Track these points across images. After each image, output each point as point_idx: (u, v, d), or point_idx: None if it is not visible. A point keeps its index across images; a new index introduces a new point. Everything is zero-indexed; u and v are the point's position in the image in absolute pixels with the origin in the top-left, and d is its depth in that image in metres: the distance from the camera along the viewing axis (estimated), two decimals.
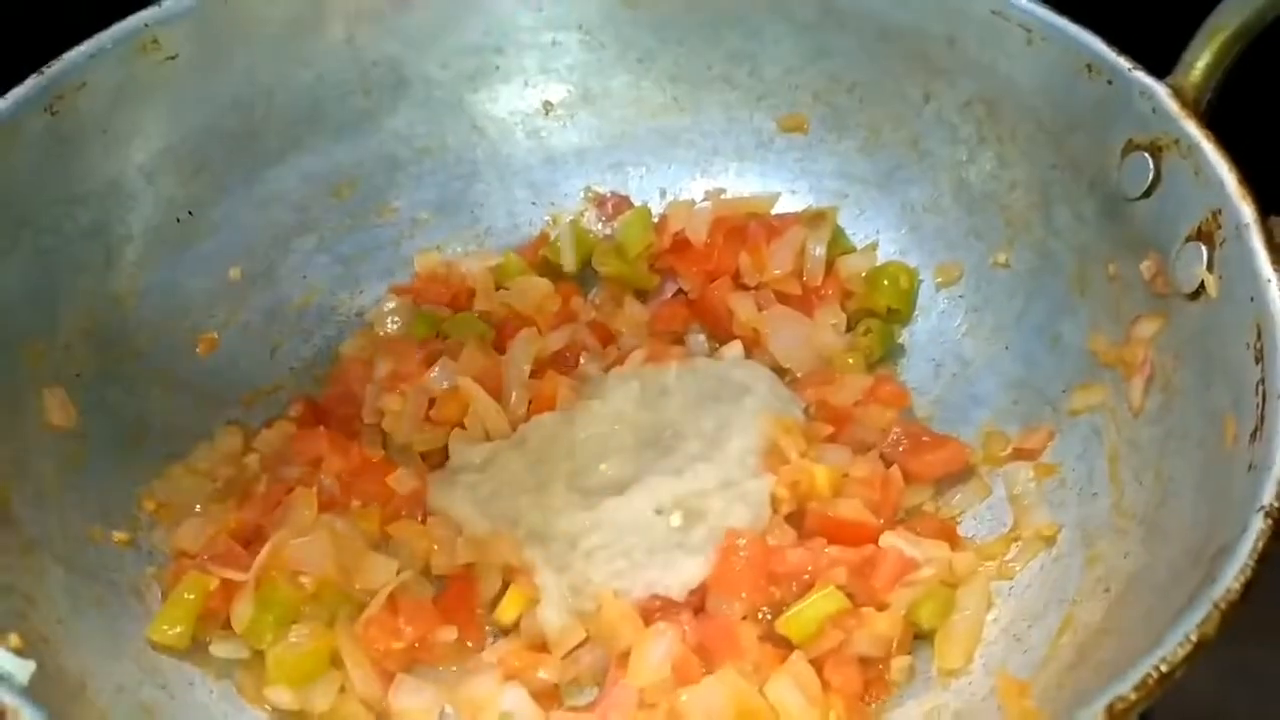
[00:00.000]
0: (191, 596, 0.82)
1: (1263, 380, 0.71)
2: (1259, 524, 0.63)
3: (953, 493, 0.93)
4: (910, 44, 1.04)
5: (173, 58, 0.99)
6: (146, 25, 0.98)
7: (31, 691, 0.66)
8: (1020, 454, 0.93)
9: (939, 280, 1.05)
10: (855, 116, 1.10)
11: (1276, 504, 0.63)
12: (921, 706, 0.79)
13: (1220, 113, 0.88)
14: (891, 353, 1.04)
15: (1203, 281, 0.81)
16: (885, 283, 1.03)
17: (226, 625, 0.84)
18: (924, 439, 0.93)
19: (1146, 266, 0.87)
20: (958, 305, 1.03)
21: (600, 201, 1.14)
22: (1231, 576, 0.61)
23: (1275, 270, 0.75)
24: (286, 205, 1.09)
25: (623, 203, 1.14)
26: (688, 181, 1.15)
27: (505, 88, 1.15)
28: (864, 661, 0.80)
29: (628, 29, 1.13)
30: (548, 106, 1.16)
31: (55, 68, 0.93)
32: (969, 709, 0.77)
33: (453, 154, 1.14)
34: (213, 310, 1.03)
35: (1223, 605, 0.60)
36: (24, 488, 0.84)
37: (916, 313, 1.05)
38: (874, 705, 0.80)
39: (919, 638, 0.84)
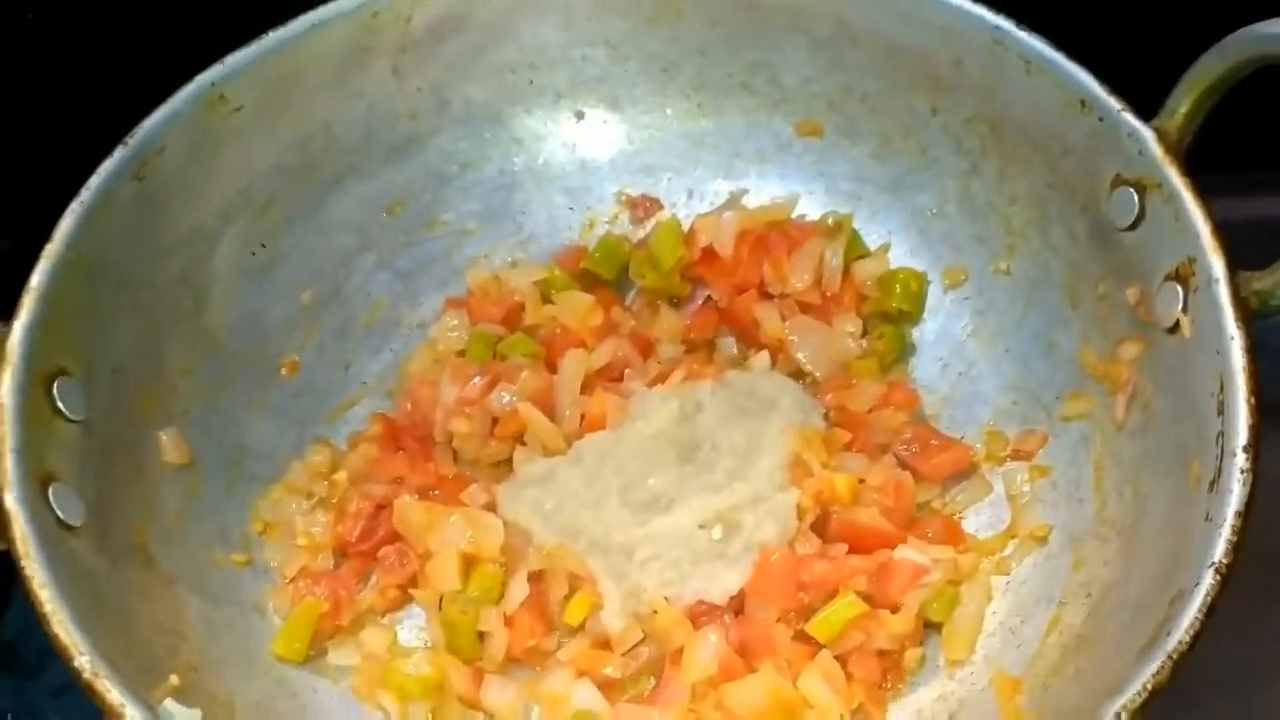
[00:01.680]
0: (308, 617, 0.96)
1: (1222, 434, 0.82)
2: (1209, 580, 0.75)
3: (957, 490, 1.05)
4: (918, 62, 1.11)
5: (239, 109, 1.08)
6: (214, 84, 1.06)
7: None
8: (1018, 454, 1.05)
9: (946, 282, 1.15)
10: (867, 124, 1.18)
11: (1226, 561, 0.75)
12: (931, 693, 0.94)
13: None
14: (903, 351, 1.15)
15: (1178, 320, 0.91)
16: (898, 287, 1.14)
17: (339, 634, 0.98)
18: (932, 441, 1.05)
19: (1131, 293, 0.97)
20: (963, 307, 1.14)
21: (633, 204, 1.24)
22: (1183, 630, 0.74)
23: (1239, 327, 0.85)
24: (347, 228, 1.19)
25: (653, 204, 1.23)
26: (713, 183, 1.24)
27: (539, 101, 1.23)
28: (882, 654, 0.94)
29: (651, 43, 1.21)
30: (579, 115, 1.24)
31: (138, 136, 1.02)
32: (971, 698, 0.92)
33: (494, 166, 1.23)
34: (291, 335, 1.14)
35: (1175, 656, 0.73)
36: (155, 527, 0.97)
37: (925, 313, 1.15)
38: (891, 692, 0.94)
39: (928, 626, 0.97)
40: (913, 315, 1.15)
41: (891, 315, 1.15)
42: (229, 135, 1.08)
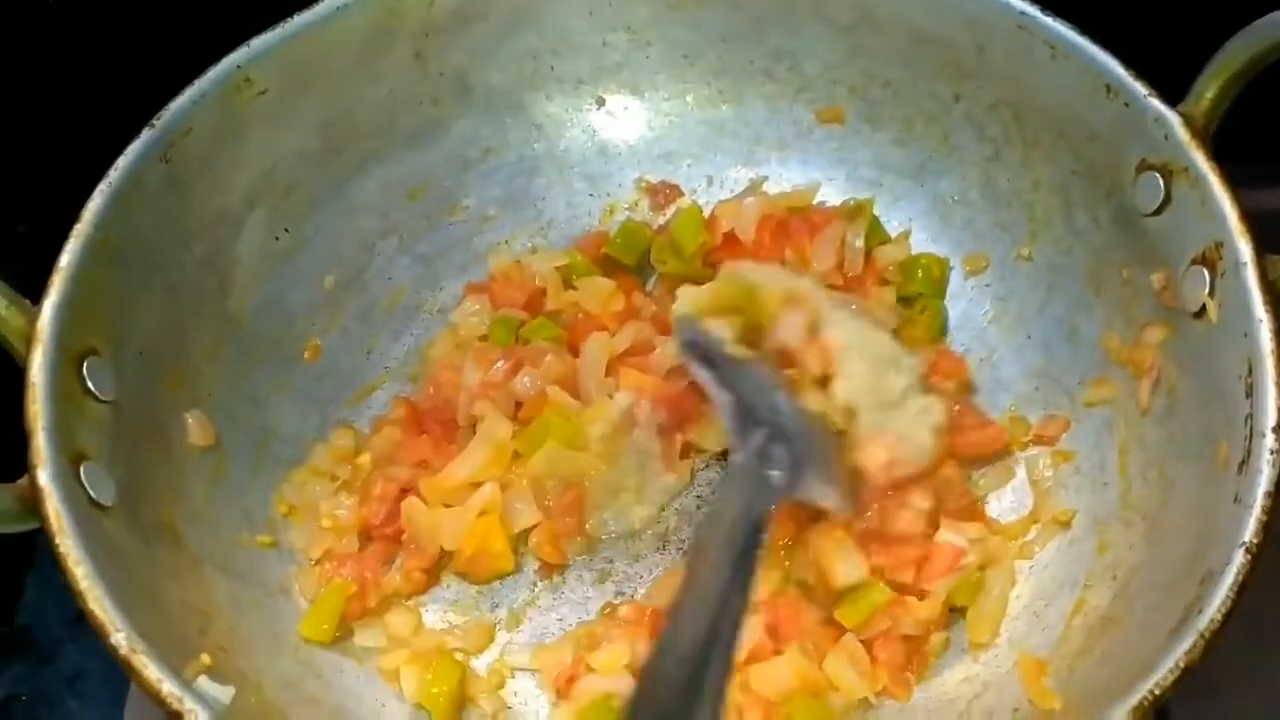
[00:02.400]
0: (335, 599, 0.97)
1: (1251, 416, 0.82)
2: (1240, 559, 0.75)
3: (980, 473, 1.06)
4: (941, 48, 1.11)
5: (263, 92, 1.08)
6: (239, 66, 1.06)
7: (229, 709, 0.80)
8: (1040, 439, 1.05)
9: (967, 269, 1.15)
10: (889, 110, 1.18)
11: (1256, 540, 0.76)
12: (955, 676, 0.94)
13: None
14: (942, 327, 1.15)
15: (1205, 305, 0.91)
16: (919, 272, 1.14)
17: (366, 615, 0.99)
18: (969, 418, 1.05)
19: (1156, 278, 0.97)
20: (984, 294, 1.14)
21: (653, 191, 1.24)
22: (1215, 608, 0.74)
23: (1268, 310, 0.85)
24: (369, 212, 1.19)
25: (673, 191, 1.24)
26: (733, 170, 1.24)
27: (560, 88, 1.23)
28: (907, 638, 0.95)
29: (672, 29, 1.21)
30: (600, 102, 1.24)
31: (165, 117, 1.02)
32: (996, 680, 0.92)
33: (514, 152, 1.24)
34: (314, 319, 1.15)
35: (1206, 635, 0.74)
36: (183, 507, 0.97)
37: (946, 300, 1.16)
38: (915, 674, 0.95)
39: (953, 610, 0.98)
40: (935, 302, 1.15)
41: (912, 300, 1.15)
42: (254, 119, 1.08)
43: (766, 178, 1.22)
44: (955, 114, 1.14)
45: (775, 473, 0.89)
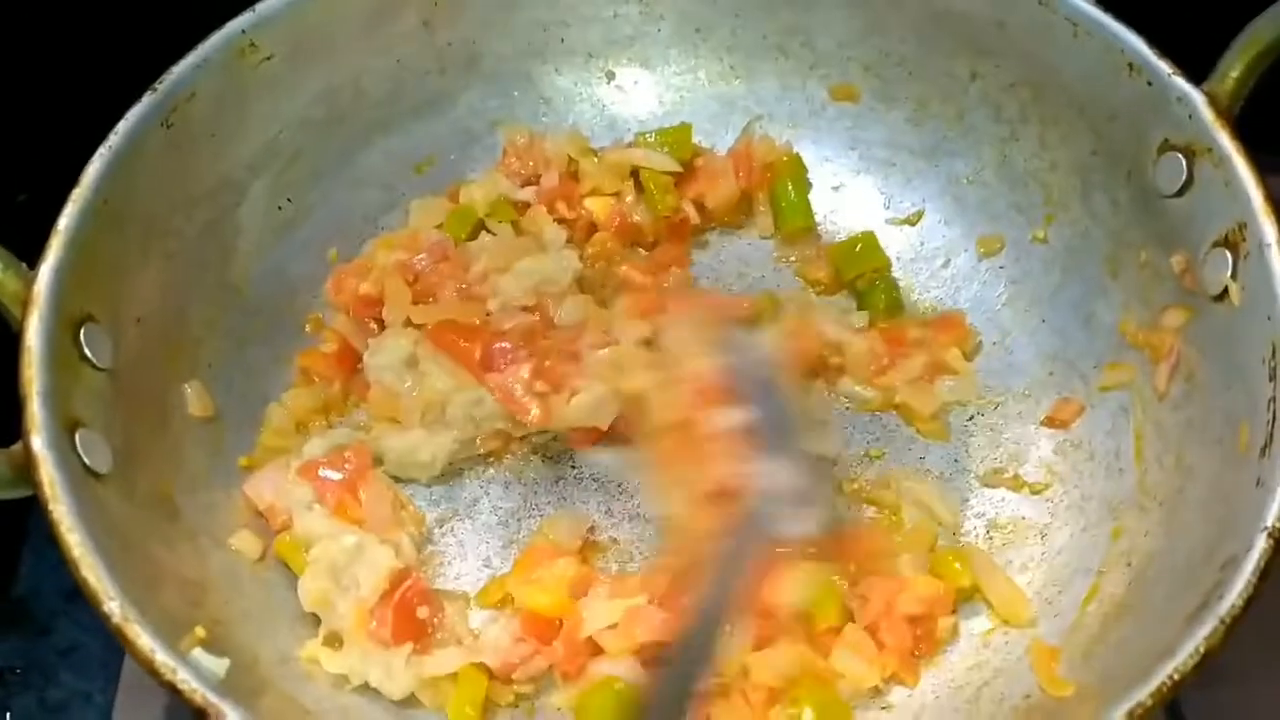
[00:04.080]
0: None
1: (1274, 399, 0.81)
2: (1262, 544, 0.74)
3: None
4: (960, 25, 1.09)
5: (269, 58, 1.06)
6: (244, 31, 1.04)
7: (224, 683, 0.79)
8: (1053, 423, 1.03)
9: (981, 251, 1.13)
10: (904, 89, 1.16)
11: (1279, 525, 0.74)
12: (965, 662, 0.92)
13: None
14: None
15: (1226, 288, 0.89)
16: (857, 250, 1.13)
17: None
18: None
19: (1176, 261, 0.96)
20: (998, 276, 1.12)
21: None
22: (1236, 593, 0.72)
23: None
24: (374, 184, 1.17)
25: None
26: None
27: (570, 60, 1.21)
28: (912, 620, 0.93)
29: (685, 2, 1.19)
30: (610, 76, 1.22)
31: (167, 82, 1.00)
32: (1006, 666, 0.90)
33: (522, 125, 1.21)
34: (316, 291, 1.12)
35: (1228, 620, 0.72)
36: (180, 478, 0.95)
37: (959, 282, 1.13)
38: (924, 660, 0.93)
39: (966, 602, 0.96)
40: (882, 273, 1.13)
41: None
42: (258, 85, 1.06)
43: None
44: (972, 93, 1.12)
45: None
